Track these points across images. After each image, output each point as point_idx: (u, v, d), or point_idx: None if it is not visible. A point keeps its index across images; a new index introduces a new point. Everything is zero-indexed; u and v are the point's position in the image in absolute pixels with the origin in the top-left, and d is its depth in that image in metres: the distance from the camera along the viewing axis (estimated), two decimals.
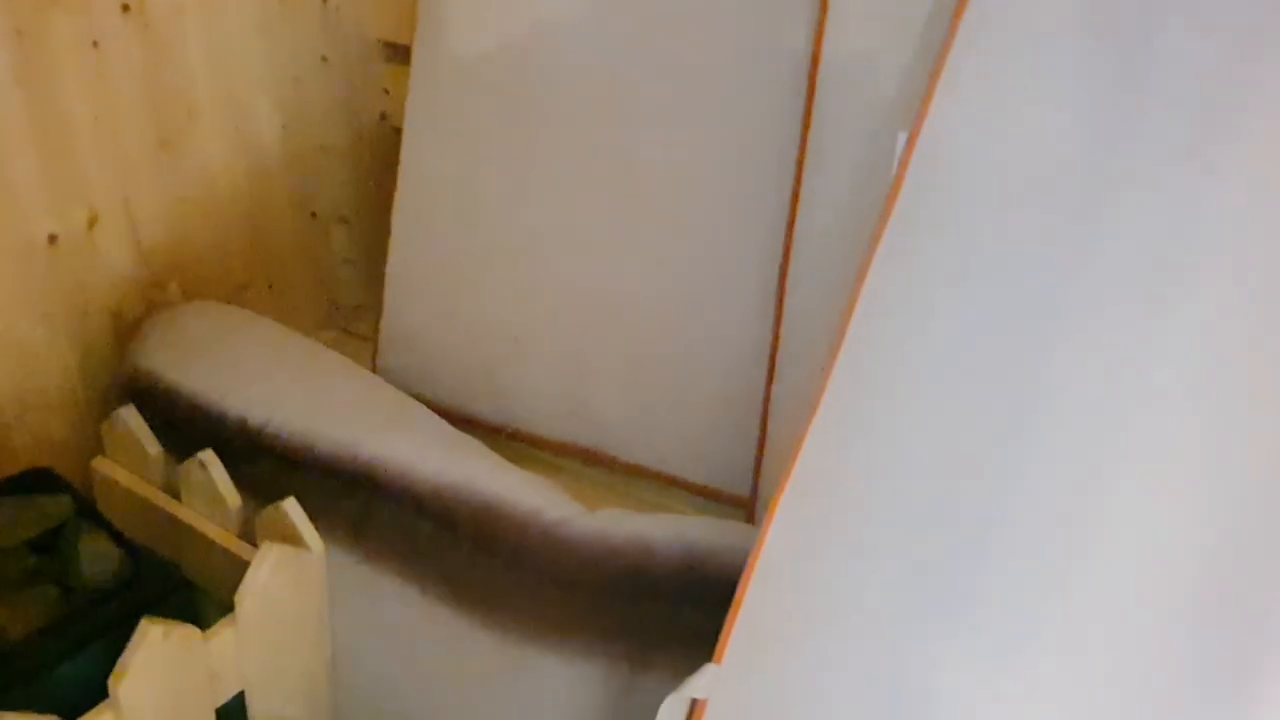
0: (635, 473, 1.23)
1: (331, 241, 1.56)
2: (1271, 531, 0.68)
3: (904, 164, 0.84)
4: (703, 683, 0.79)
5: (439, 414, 1.16)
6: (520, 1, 1.20)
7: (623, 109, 1.16)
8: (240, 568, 0.99)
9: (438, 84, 1.26)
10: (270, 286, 1.47)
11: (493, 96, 1.23)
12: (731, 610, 0.81)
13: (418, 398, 1.20)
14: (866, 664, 0.75)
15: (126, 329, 1.26)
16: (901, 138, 0.89)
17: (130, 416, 1.13)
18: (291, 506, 1.01)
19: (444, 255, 1.30)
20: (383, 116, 1.54)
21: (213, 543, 1.07)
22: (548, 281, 1.24)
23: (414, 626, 1.02)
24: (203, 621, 0.96)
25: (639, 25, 1.13)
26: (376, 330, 1.37)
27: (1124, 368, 0.74)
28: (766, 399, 1.12)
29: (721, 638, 0.81)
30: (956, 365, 0.80)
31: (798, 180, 1.06)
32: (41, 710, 0.84)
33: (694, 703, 0.80)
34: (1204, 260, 0.73)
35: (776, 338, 1.10)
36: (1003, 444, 0.77)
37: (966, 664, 0.73)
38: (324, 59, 1.45)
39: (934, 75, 0.87)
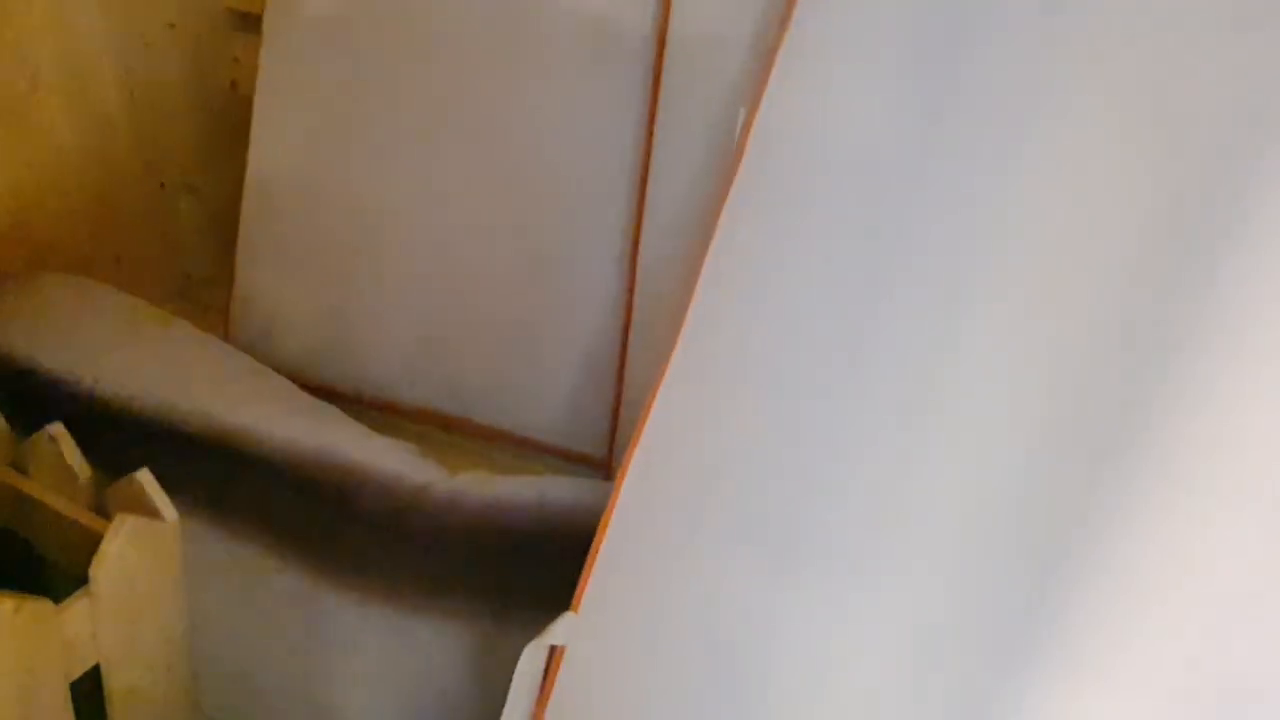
0: (494, 437, 1.26)
1: (180, 212, 1.54)
2: (1073, 478, 0.75)
3: (744, 138, 0.89)
4: (560, 630, 0.83)
5: (295, 383, 1.17)
6: None
7: (476, 77, 1.18)
8: (94, 541, 0.99)
9: (288, 52, 1.26)
10: (118, 259, 1.44)
11: (343, 64, 1.24)
12: (588, 562, 0.85)
13: (273, 368, 1.20)
14: (710, 600, 0.80)
15: None
16: (742, 113, 0.94)
17: None
18: (145, 477, 1.00)
19: (295, 224, 1.30)
20: (233, 85, 1.52)
21: (63, 517, 1.05)
22: (401, 248, 1.25)
23: (275, 595, 1.03)
24: (56, 596, 0.95)
25: None
26: (229, 301, 1.36)
27: (937, 327, 0.80)
28: (621, 362, 1.16)
29: (579, 588, 0.85)
30: (794, 326, 0.85)
31: (648, 147, 1.10)
32: None
33: (553, 650, 0.84)
34: (1010, 225, 0.80)
35: (630, 301, 1.14)
36: (837, 400, 0.82)
37: (806, 594, 0.78)
38: (171, 26, 1.42)
39: (771, 53, 0.91)
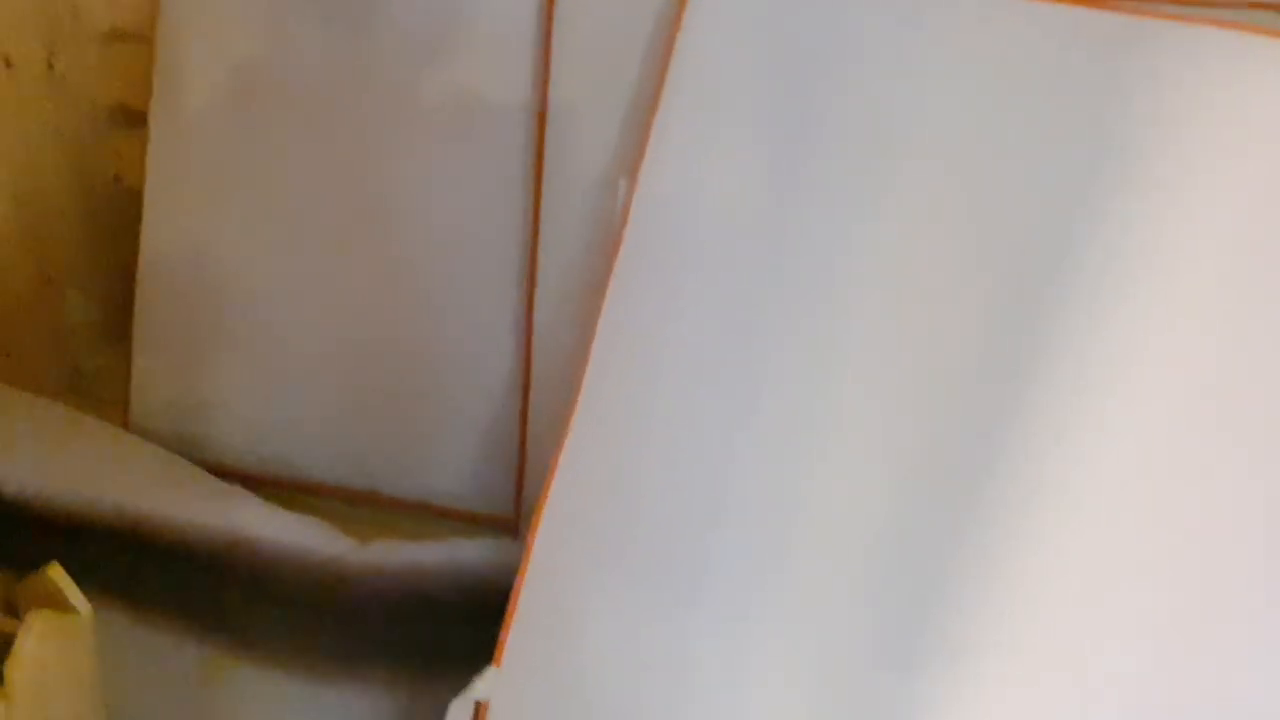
0: (401, 507, 1.28)
1: (68, 306, 1.54)
2: (939, 502, 0.82)
3: (626, 206, 0.95)
4: (484, 685, 0.86)
5: (199, 466, 1.18)
6: (258, 59, 1.24)
7: (362, 154, 1.22)
8: (5, 641, 0.98)
9: (175, 142, 1.28)
10: (7, 353, 1.44)
11: (230, 150, 1.27)
12: (507, 616, 0.89)
13: (176, 453, 1.21)
14: (625, 640, 0.85)
15: None
16: (623, 183, 1.00)
17: None
18: (56, 572, 1.00)
19: (190, 309, 1.31)
20: (116, 178, 1.53)
21: None
22: (298, 327, 1.27)
23: (191, 678, 1.03)
24: None
25: (378, 74, 1.20)
26: (125, 392, 1.36)
27: (815, 377, 0.87)
28: (523, 424, 1.20)
29: (499, 642, 0.88)
30: (685, 380, 0.92)
31: (536, 213, 1.15)
32: None
33: (478, 706, 0.87)
34: (867, 287, 0.88)
35: (527, 365, 1.19)
36: (731, 447, 0.88)
37: (713, 627, 0.84)
38: (55, 128, 1.43)
39: (647, 124, 0.98)
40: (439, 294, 1.23)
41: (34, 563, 1.02)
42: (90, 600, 1.01)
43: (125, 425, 1.36)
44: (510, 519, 1.24)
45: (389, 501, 1.28)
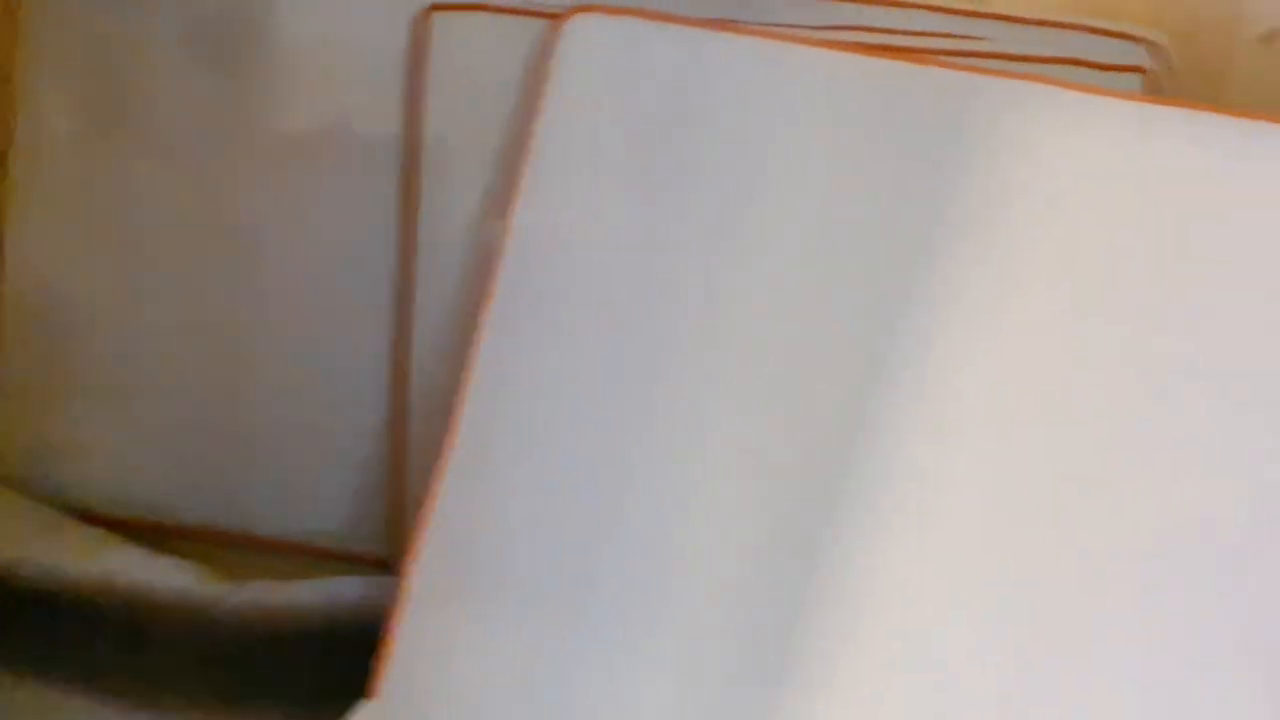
0: (276, 548, 1.28)
1: None
2: (808, 523, 0.87)
3: (500, 243, 0.99)
4: (358, 718, 0.88)
5: (66, 514, 1.16)
6: (122, 96, 1.24)
7: (229, 189, 1.22)
8: None
9: (37, 187, 1.27)
10: None
11: (92, 186, 1.26)
12: (380, 648, 0.90)
13: (41, 502, 1.19)
14: (502, 673, 0.87)
15: None
16: (495, 223, 1.03)
17: None
18: None
19: (52, 354, 1.29)
20: None
21: None
22: (166, 368, 1.27)
23: None
24: None
25: (246, 109, 1.21)
26: None
27: (687, 412, 0.92)
28: (397, 460, 1.22)
29: (373, 674, 0.90)
30: (562, 411, 0.95)
31: (410, 248, 1.17)
32: None
33: None
34: (742, 302, 0.93)
35: (401, 400, 1.21)
36: (607, 477, 0.92)
37: (589, 661, 0.87)
38: None
39: (521, 163, 1.02)
40: (309, 331, 1.23)
41: None
42: None
43: None
44: (386, 557, 1.25)
45: (262, 542, 1.28)
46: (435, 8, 1.10)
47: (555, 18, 1.02)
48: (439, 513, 0.94)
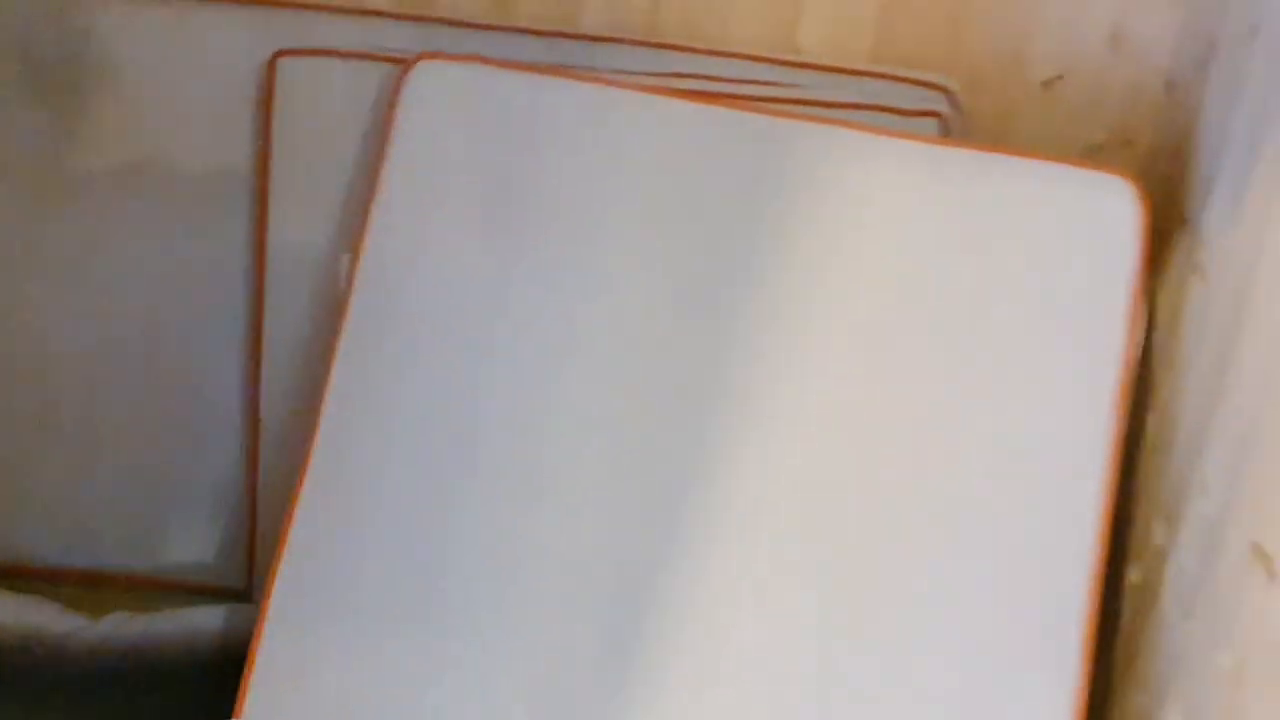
0: (134, 584, 1.28)
1: None
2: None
3: (350, 280, 1.03)
4: None
5: None
6: None
7: (90, 232, 1.23)
8: None
9: None
10: None
11: None
12: (244, 673, 0.94)
13: None
14: (362, 690, 0.92)
15: None
16: (345, 258, 1.08)
17: None
18: None
19: None
20: None
21: None
22: (20, 406, 1.27)
23: None
24: None
25: (97, 152, 1.22)
26: None
27: (531, 424, 0.99)
28: (252, 495, 1.24)
29: (239, 697, 0.93)
30: (413, 440, 1.01)
31: (260, 286, 1.20)
32: None
33: None
34: (579, 328, 1.01)
35: (255, 436, 1.23)
36: (453, 498, 0.98)
37: (443, 674, 0.93)
38: None
39: (368, 202, 1.07)
40: (162, 369, 1.25)
41: None
42: None
43: None
44: (245, 588, 1.28)
45: (121, 580, 1.29)
46: (282, 53, 1.14)
47: (402, 63, 1.08)
48: (295, 539, 0.98)
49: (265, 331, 1.21)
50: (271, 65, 1.15)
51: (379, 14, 1.22)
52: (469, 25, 1.20)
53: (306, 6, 1.20)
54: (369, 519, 0.99)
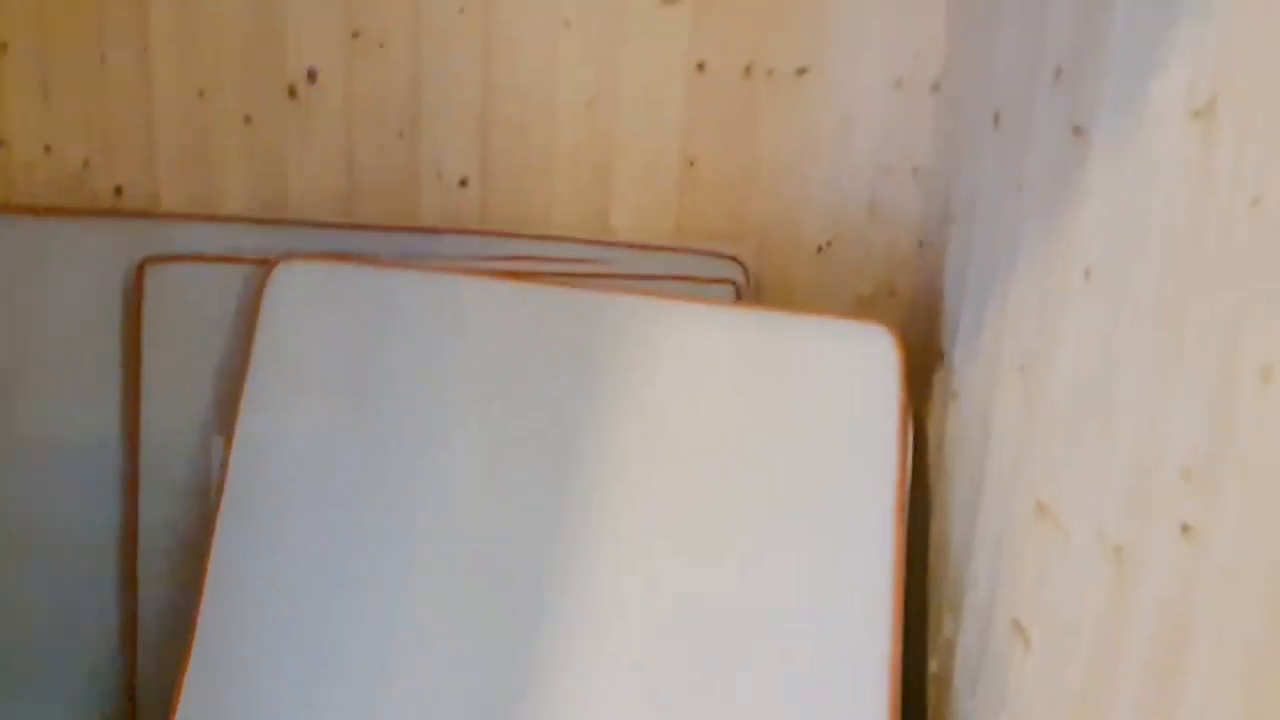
0: None
1: None
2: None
3: (225, 459, 1.14)
4: None
5: None
6: None
7: None
8: None
9: None
10: None
11: None
12: None
13: None
14: None
15: None
16: (218, 440, 1.19)
17: None
18: None
19: None
20: None
21: None
22: None
23: None
24: None
25: None
26: None
27: (394, 575, 1.12)
28: (131, 675, 1.30)
29: None
30: (294, 601, 1.11)
31: (133, 474, 1.28)
32: None
33: None
34: (434, 490, 1.13)
35: (134, 618, 1.30)
36: (331, 650, 1.08)
37: None
38: None
39: (239, 388, 1.19)
40: (38, 561, 1.31)
41: None
42: None
43: None
44: None
45: None
46: (149, 260, 1.26)
47: (264, 264, 1.22)
48: (185, 703, 1.07)
49: (140, 513, 1.29)
50: (140, 270, 1.26)
51: (235, 219, 1.36)
52: (318, 225, 1.35)
53: (167, 216, 1.33)
54: (255, 678, 1.08)
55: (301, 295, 1.20)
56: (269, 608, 1.11)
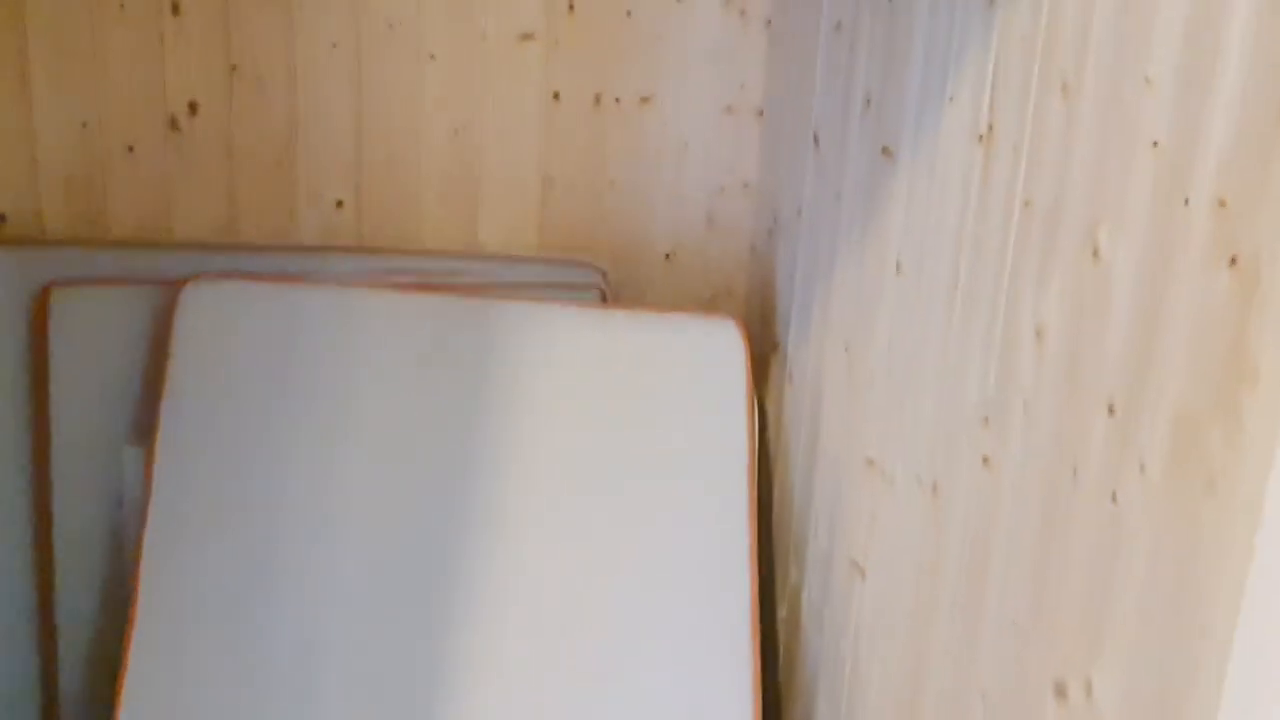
0: None
1: None
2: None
3: (148, 469, 1.23)
4: None
5: None
6: None
7: None
8: None
9: None
10: None
11: None
12: None
13: None
14: None
15: None
16: (131, 451, 1.28)
17: None
18: None
19: None
20: None
21: None
22: None
23: None
24: None
25: None
26: None
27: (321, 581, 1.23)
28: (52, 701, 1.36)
29: None
30: (222, 597, 1.21)
31: (44, 503, 1.35)
32: None
33: None
34: (345, 481, 1.25)
35: (52, 646, 1.35)
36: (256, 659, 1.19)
37: None
38: None
39: (160, 395, 1.28)
40: None
41: None
42: None
43: None
44: None
45: None
46: (54, 284, 1.33)
47: (173, 285, 1.31)
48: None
49: (55, 529, 1.34)
50: (44, 295, 1.33)
51: (124, 244, 1.43)
52: (204, 247, 1.44)
53: (63, 243, 1.40)
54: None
55: (211, 312, 1.30)
56: (203, 606, 1.20)
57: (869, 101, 1.17)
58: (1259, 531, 0.61)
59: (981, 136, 0.93)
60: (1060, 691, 0.83)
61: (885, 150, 1.12)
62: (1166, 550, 0.70)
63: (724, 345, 1.36)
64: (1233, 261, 0.64)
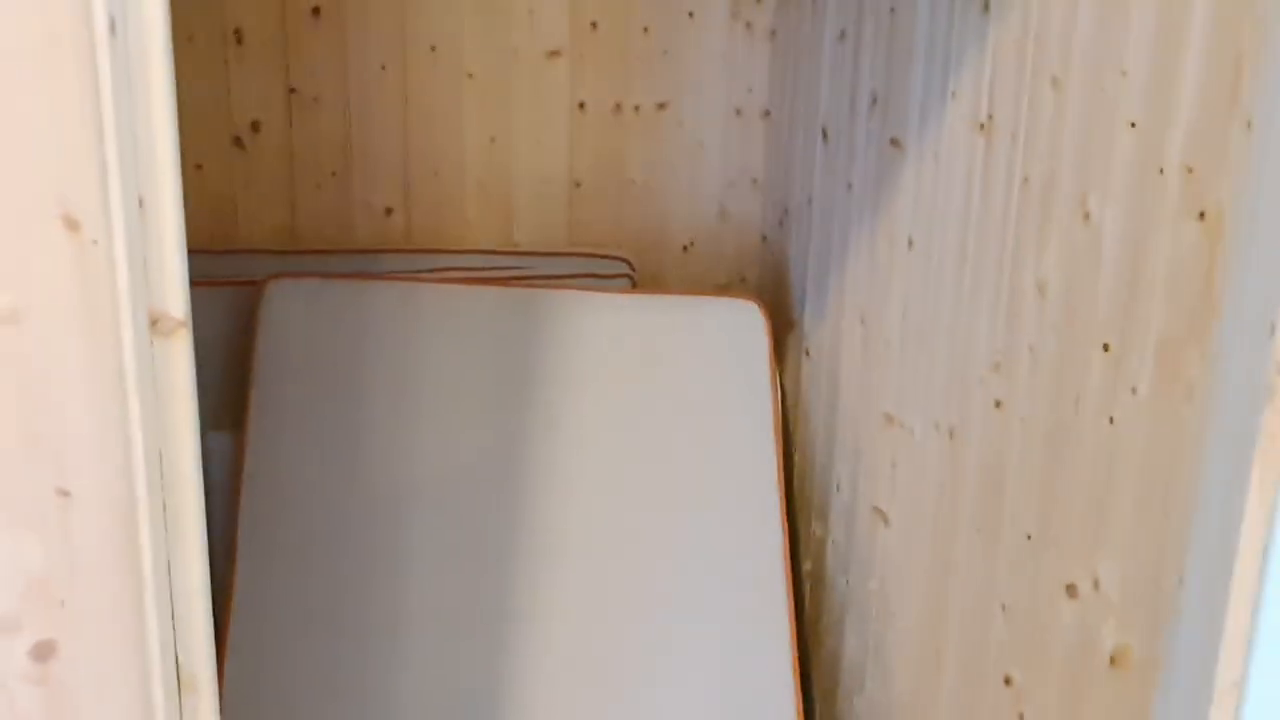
0: None
1: None
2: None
3: (241, 452, 1.37)
4: None
5: None
6: None
7: None
8: None
9: None
10: None
11: None
12: None
13: None
14: None
15: None
16: (216, 436, 1.41)
17: None
18: None
19: None
20: None
21: None
22: None
23: None
24: None
25: None
26: None
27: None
28: None
29: None
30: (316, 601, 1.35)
31: None
32: None
33: None
34: (421, 462, 1.40)
35: None
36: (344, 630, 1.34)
37: None
38: None
39: (249, 383, 1.41)
40: None
41: None
42: None
43: None
44: None
45: None
46: None
47: (254, 284, 1.44)
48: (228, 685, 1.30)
49: None
50: None
51: (197, 251, 1.57)
52: (270, 252, 1.58)
53: None
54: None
55: (292, 307, 1.43)
56: (296, 577, 1.34)
57: (875, 99, 1.33)
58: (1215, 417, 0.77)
59: (982, 125, 1.09)
60: (1071, 592, 0.99)
61: (894, 141, 1.28)
62: (1156, 453, 0.85)
63: (746, 323, 1.51)
64: (1201, 216, 0.80)
